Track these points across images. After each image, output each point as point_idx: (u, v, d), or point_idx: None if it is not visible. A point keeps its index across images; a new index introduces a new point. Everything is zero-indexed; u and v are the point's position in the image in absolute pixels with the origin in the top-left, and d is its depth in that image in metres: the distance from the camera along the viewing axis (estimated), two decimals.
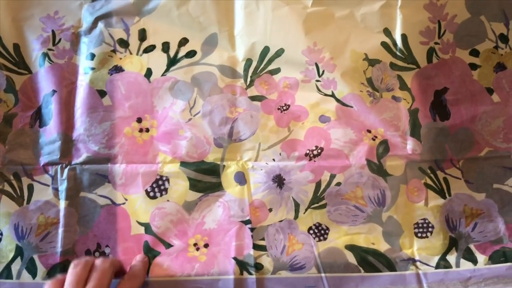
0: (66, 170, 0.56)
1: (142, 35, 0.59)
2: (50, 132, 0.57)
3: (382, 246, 0.56)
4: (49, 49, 0.59)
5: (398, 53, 0.56)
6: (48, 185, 0.56)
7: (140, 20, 0.59)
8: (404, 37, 0.58)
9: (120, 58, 0.57)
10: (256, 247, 0.55)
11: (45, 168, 0.56)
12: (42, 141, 0.57)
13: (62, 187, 0.56)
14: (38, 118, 0.58)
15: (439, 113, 0.57)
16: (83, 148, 0.56)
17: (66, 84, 0.58)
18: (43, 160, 0.56)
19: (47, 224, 0.55)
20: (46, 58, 0.58)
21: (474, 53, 0.59)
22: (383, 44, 0.58)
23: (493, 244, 0.54)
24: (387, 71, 0.58)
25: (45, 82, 0.58)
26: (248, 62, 0.59)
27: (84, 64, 0.58)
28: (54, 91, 0.57)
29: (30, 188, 0.56)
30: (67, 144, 0.57)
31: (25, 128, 0.57)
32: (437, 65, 0.59)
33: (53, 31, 0.59)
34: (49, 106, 0.57)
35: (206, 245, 0.54)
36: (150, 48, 0.59)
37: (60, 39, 0.59)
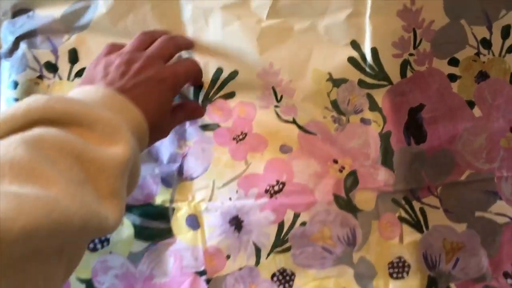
0: None
1: (73, 56, 0.51)
2: None
3: None
4: None
5: (367, 69, 0.49)
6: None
7: (69, 38, 0.51)
8: (374, 51, 0.51)
9: (48, 86, 0.49)
10: None
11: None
12: None
13: None
14: None
15: (415, 134, 0.51)
16: None
17: None
18: None
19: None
20: None
21: (454, 62, 0.52)
22: (351, 60, 0.51)
23: (476, 283, 0.48)
24: (354, 90, 0.51)
25: None
26: (199, 85, 0.50)
27: (7, 94, 0.50)
28: None
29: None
30: None
31: None
32: (412, 79, 0.52)
33: None
34: None
35: None
36: (82, 72, 0.50)
37: None
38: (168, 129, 0.45)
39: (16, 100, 0.50)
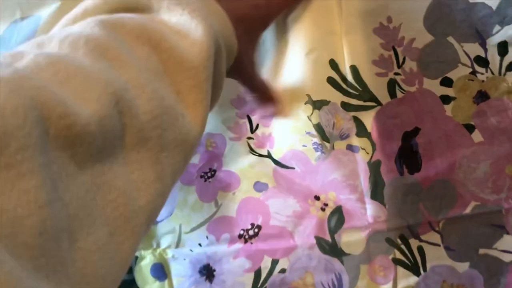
0: None
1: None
2: None
3: None
4: None
5: (349, 89, 0.42)
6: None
7: None
8: (354, 68, 0.45)
9: None
10: None
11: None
12: None
13: None
14: None
15: (408, 163, 0.45)
16: None
17: None
18: None
19: None
20: None
21: (447, 82, 0.45)
22: (330, 80, 0.45)
23: None
24: (339, 113, 0.45)
25: None
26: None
27: None
28: None
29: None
30: None
31: None
32: (403, 100, 0.46)
33: None
34: None
35: None
36: None
37: None
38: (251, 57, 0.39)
39: None
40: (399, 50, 0.44)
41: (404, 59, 0.45)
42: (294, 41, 0.45)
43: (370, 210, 0.45)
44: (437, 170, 0.46)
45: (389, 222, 0.45)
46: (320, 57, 0.46)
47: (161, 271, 0.44)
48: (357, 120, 0.45)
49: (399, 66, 0.44)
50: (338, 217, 0.45)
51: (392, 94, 0.45)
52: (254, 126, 0.46)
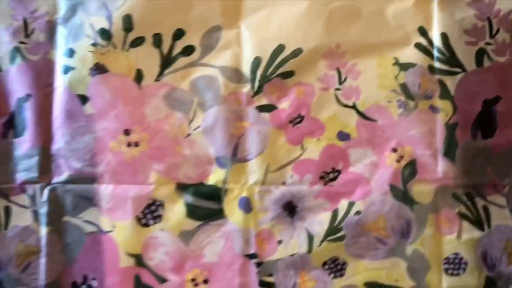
0: (46, 191, 0.52)
1: (128, 23, 0.52)
2: (26, 145, 0.52)
3: (407, 283, 0.52)
4: (21, 42, 0.53)
5: (437, 54, 0.49)
6: (26, 207, 0.53)
7: (125, 3, 0.52)
8: (444, 36, 0.51)
9: (102, 54, 0.52)
10: (262, 284, 0.52)
11: (22, 187, 0.52)
12: (17, 155, 0.53)
13: (43, 210, 0.52)
14: (11, 126, 0.53)
15: (483, 128, 0.52)
16: (65, 165, 0.52)
17: (42, 87, 0.53)
18: (19, 177, 0.53)
19: (27, 253, 0.52)
20: (19, 54, 0.53)
21: None
22: (418, 46, 0.52)
23: None
24: (425, 75, 0.52)
25: (18, 84, 0.53)
26: (256, 61, 0.52)
27: (62, 62, 0.53)
28: (28, 95, 0.52)
29: (7, 210, 0.52)
30: (46, 160, 0.52)
31: None
32: (490, 69, 0.51)
33: (25, 20, 0.53)
34: (23, 113, 0.52)
35: (205, 281, 0.52)
36: (138, 41, 0.52)
37: (33, 30, 0.53)
38: None
39: (72, 69, 0.52)
40: (494, 21, 0.51)
41: (498, 30, 0.51)
42: (386, 7, 0.52)
43: (441, 166, 0.52)
44: (510, 138, 0.52)
45: (457, 179, 0.52)
46: (409, 24, 0.52)
47: (247, 204, 0.52)
48: (441, 83, 0.52)
49: (491, 36, 0.51)
50: (411, 169, 0.52)
51: (479, 62, 0.52)
52: (343, 78, 0.52)
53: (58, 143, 0.52)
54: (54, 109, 0.52)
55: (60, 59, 0.53)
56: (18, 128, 0.53)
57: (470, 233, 0.52)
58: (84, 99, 0.52)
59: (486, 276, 0.52)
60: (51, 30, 0.53)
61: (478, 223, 0.52)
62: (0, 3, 0.53)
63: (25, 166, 0.52)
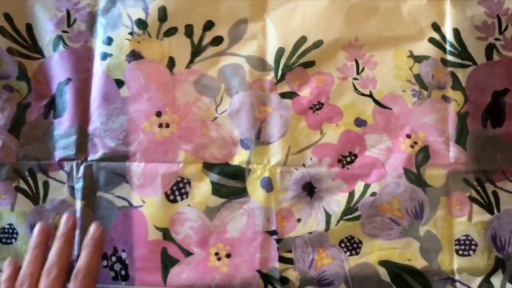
0: (82, 167, 0.56)
1: (163, 14, 0.56)
2: (65, 124, 0.57)
3: (419, 263, 0.54)
4: (64, 31, 0.58)
5: (449, 48, 0.52)
6: (63, 183, 0.57)
7: None
8: (456, 31, 0.55)
9: (138, 42, 0.56)
10: (282, 259, 0.55)
11: (61, 164, 0.57)
12: (57, 134, 0.57)
13: (78, 185, 0.56)
14: (52, 108, 0.58)
15: (493, 118, 0.55)
16: (100, 143, 0.56)
17: (81, 71, 0.57)
18: (58, 155, 0.57)
19: None
20: (61, 42, 0.57)
21: None
22: (431, 40, 0.56)
23: None
24: (438, 67, 0.55)
25: (59, 69, 0.57)
26: (280, 51, 0.56)
27: (101, 49, 0.58)
28: (69, 79, 0.57)
29: (46, 185, 0.57)
30: (83, 139, 0.57)
31: (38, 119, 0.57)
32: (499, 63, 0.55)
33: (67, 11, 0.58)
34: (63, 95, 0.57)
35: (228, 255, 0.53)
36: (172, 31, 0.57)
37: (75, 20, 0.58)
38: None
39: (110, 55, 0.57)
40: (503, 18, 0.55)
41: (506, 27, 0.55)
42: (402, 4, 0.56)
43: (453, 152, 0.55)
44: None
45: (468, 165, 0.55)
46: (423, 20, 0.56)
47: (269, 183, 0.55)
48: (453, 75, 0.56)
49: (500, 33, 0.55)
50: (424, 154, 0.55)
51: (489, 56, 0.55)
52: (361, 68, 0.56)
53: (94, 123, 0.56)
54: (92, 92, 0.57)
55: (99, 47, 0.57)
56: (59, 109, 0.57)
57: (480, 216, 0.54)
58: (120, 83, 0.56)
59: (495, 257, 0.54)
60: (91, 20, 0.58)
61: (488, 207, 0.54)
62: None
63: (63, 144, 0.56)
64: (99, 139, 0.56)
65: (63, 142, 0.56)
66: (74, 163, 0.56)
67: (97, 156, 0.56)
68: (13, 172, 0.56)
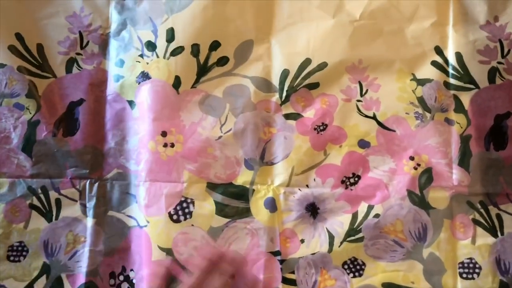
0: (95, 186, 0.57)
1: (171, 35, 0.57)
2: (77, 143, 0.57)
3: (423, 286, 0.54)
4: (78, 53, 0.59)
5: (452, 71, 0.52)
6: (75, 200, 0.57)
7: (169, 18, 0.57)
8: (458, 55, 0.56)
9: (147, 63, 0.58)
10: (285, 281, 0.55)
11: (73, 182, 0.57)
12: (68, 152, 0.57)
13: (91, 203, 0.57)
14: (61, 126, 0.58)
15: (496, 141, 0.56)
16: (114, 163, 0.57)
17: (95, 93, 0.58)
18: (70, 173, 0.57)
19: (75, 242, 0.56)
20: (75, 64, 0.59)
21: None
22: (434, 63, 0.56)
23: None
24: (441, 90, 0.56)
25: (72, 89, 0.58)
26: (285, 72, 0.57)
27: (114, 71, 0.59)
28: (82, 100, 0.58)
29: (58, 202, 0.57)
30: (97, 158, 0.57)
31: (48, 137, 0.57)
32: (502, 87, 0.56)
33: (80, 33, 0.59)
34: (76, 115, 0.58)
35: (231, 276, 0.50)
36: (178, 51, 0.57)
37: (88, 42, 0.59)
38: None
39: (122, 77, 0.58)
40: (505, 43, 0.56)
41: (509, 51, 0.56)
42: (405, 27, 0.56)
43: (456, 174, 0.55)
44: None
45: (471, 187, 0.55)
46: (426, 43, 0.56)
47: (273, 204, 0.56)
48: (456, 98, 0.56)
49: (503, 56, 0.56)
50: (428, 176, 0.55)
51: (492, 80, 0.56)
52: (364, 90, 0.56)
53: (109, 143, 0.57)
54: (106, 113, 0.58)
55: (112, 69, 0.59)
56: (70, 128, 0.57)
57: (484, 239, 0.54)
58: (132, 104, 0.57)
59: (500, 280, 0.54)
60: (104, 42, 0.59)
61: (492, 230, 0.54)
62: (58, 17, 0.59)
63: (75, 163, 0.57)
64: (114, 159, 0.57)
65: (75, 161, 0.57)
66: (88, 181, 0.57)
67: (111, 175, 0.57)
68: (28, 189, 0.56)
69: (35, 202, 0.56)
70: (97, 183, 0.56)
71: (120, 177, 0.57)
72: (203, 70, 0.57)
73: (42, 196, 0.56)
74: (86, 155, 0.57)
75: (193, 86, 0.57)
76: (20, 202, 0.56)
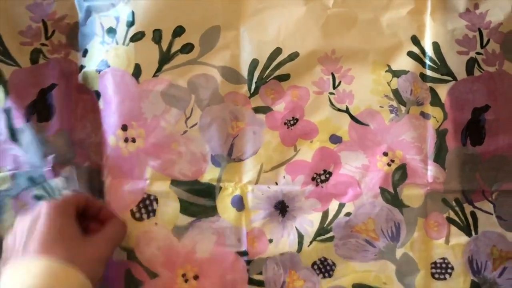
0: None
1: (131, 19, 0.53)
2: (55, 128, 0.53)
3: (395, 287, 0.53)
4: (43, 44, 0.55)
5: (429, 62, 0.50)
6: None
7: (129, 1, 0.53)
8: (435, 45, 0.53)
9: (107, 51, 0.54)
10: (252, 282, 0.53)
11: (56, 171, 0.53)
12: (45, 138, 0.53)
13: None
14: (34, 112, 0.53)
15: (473, 136, 0.54)
16: (85, 155, 0.54)
17: (65, 81, 0.55)
18: (50, 160, 0.53)
19: None
20: (41, 55, 0.55)
21: None
22: (410, 54, 0.54)
23: None
24: (417, 82, 0.53)
25: (41, 77, 0.54)
26: (254, 63, 0.54)
27: (80, 62, 0.56)
28: (53, 85, 0.54)
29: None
30: (73, 146, 0.54)
31: (22, 124, 0.53)
32: (480, 78, 0.53)
33: (44, 22, 0.55)
34: (49, 101, 0.54)
35: (196, 277, 0.53)
36: (138, 36, 0.53)
37: (53, 31, 0.55)
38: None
39: (85, 67, 0.55)
40: (484, 32, 0.53)
41: (488, 40, 0.53)
42: (381, 15, 0.53)
43: (431, 171, 0.53)
44: (497, 146, 0.53)
45: (446, 184, 0.53)
46: (403, 33, 0.53)
47: (240, 202, 0.54)
48: (432, 91, 0.54)
49: (482, 47, 0.53)
50: (402, 173, 0.53)
51: (470, 71, 0.54)
52: (337, 82, 0.55)
53: (80, 134, 0.54)
54: (76, 102, 0.54)
55: (80, 60, 0.56)
56: (44, 114, 0.54)
57: (458, 238, 0.53)
58: (98, 95, 0.54)
59: (471, 280, 0.53)
60: (72, 32, 0.56)
61: (466, 229, 0.53)
62: (19, 5, 0.54)
63: (54, 149, 0.53)
64: (85, 151, 0.54)
65: (54, 147, 0.53)
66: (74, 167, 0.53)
67: (84, 167, 0.54)
68: (28, 180, 0.53)
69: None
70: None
71: (89, 171, 0.53)
72: (166, 57, 0.54)
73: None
74: (65, 140, 0.53)
75: (155, 75, 0.54)
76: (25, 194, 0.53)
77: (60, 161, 0.53)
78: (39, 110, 0.54)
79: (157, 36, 0.53)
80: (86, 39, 0.55)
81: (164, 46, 0.54)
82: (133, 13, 0.53)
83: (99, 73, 0.53)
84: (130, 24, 0.53)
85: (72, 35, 0.55)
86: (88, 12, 0.55)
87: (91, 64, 0.54)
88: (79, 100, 0.55)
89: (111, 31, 0.54)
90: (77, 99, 0.55)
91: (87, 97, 0.55)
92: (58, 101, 0.54)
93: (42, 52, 0.55)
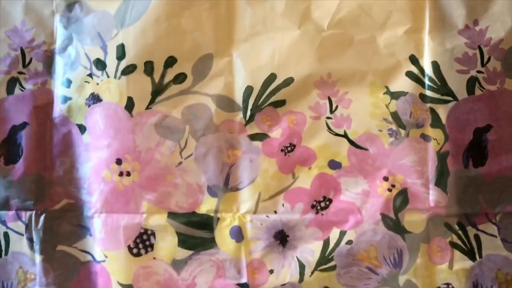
0: (41, 218, 0.53)
1: (121, 52, 0.53)
2: (20, 172, 0.53)
3: None
4: (20, 72, 0.54)
5: (428, 82, 0.50)
6: (22, 235, 0.53)
7: (118, 33, 0.53)
8: (435, 64, 0.52)
9: (97, 84, 0.54)
10: None
11: (18, 214, 0.53)
12: (10, 182, 0.53)
13: (37, 238, 0.53)
14: (2, 154, 0.53)
15: (475, 157, 0.52)
16: (63, 193, 0.53)
17: (40, 116, 0.54)
18: (14, 204, 0.53)
19: (26, 279, 0.53)
20: (17, 85, 0.54)
21: None
22: (409, 74, 0.52)
23: None
24: (416, 103, 0.52)
25: (14, 113, 0.54)
26: (248, 90, 0.53)
27: (60, 91, 0.54)
28: (25, 124, 0.53)
29: (6, 236, 0.53)
30: (43, 187, 0.53)
31: None
32: (481, 98, 0.51)
33: (22, 49, 0.54)
34: (18, 141, 0.54)
35: None
36: (130, 69, 0.53)
37: (31, 59, 0.55)
38: None
39: (70, 99, 0.53)
40: (485, 49, 0.51)
41: (489, 58, 0.52)
42: (378, 35, 0.51)
43: (433, 195, 0.52)
44: (501, 167, 0.52)
45: (449, 208, 0.52)
46: (400, 52, 0.52)
47: (239, 233, 0.53)
48: (433, 112, 0.52)
49: (482, 65, 0.52)
50: (403, 198, 0.52)
51: (470, 91, 0.52)
52: (334, 107, 0.53)
53: (57, 171, 0.53)
54: (54, 138, 0.54)
55: (59, 89, 0.55)
56: (12, 155, 0.54)
57: (462, 262, 0.52)
58: (82, 128, 0.54)
59: None
60: (48, 59, 0.55)
61: (470, 253, 0.52)
62: None
63: (18, 193, 0.53)
64: (62, 188, 0.53)
65: (18, 191, 0.53)
66: (33, 213, 0.53)
67: (60, 205, 0.53)
68: None
69: None
70: (43, 215, 0.53)
71: (70, 208, 0.53)
72: (158, 89, 0.53)
73: None
74: (30, 185, 0.53)
75: (148, 107, 0.53)
76: None
77: (22, 206, 0.52)
78: (7, 152, 0.53)
79: (149, 68, 0.52)
80: (67, 68, 0.53)
81: (157, 78, 0.53)
82: (123, 45, 0.52)
83: (89, 106, 0.52)
84: (121, 57, 0.52)
85: (49, 63, 0.54)
86: (69, 40, 0.53)
87: (77, 96, 0.53)
88: (57, 135, 0.53)
89: (100, 63, 0.53)
90: (53, 135, 0.53)
91: (66, 130, 0.53)
92: (27, 142, 0.53)
93: (19, 80, 0.54)
